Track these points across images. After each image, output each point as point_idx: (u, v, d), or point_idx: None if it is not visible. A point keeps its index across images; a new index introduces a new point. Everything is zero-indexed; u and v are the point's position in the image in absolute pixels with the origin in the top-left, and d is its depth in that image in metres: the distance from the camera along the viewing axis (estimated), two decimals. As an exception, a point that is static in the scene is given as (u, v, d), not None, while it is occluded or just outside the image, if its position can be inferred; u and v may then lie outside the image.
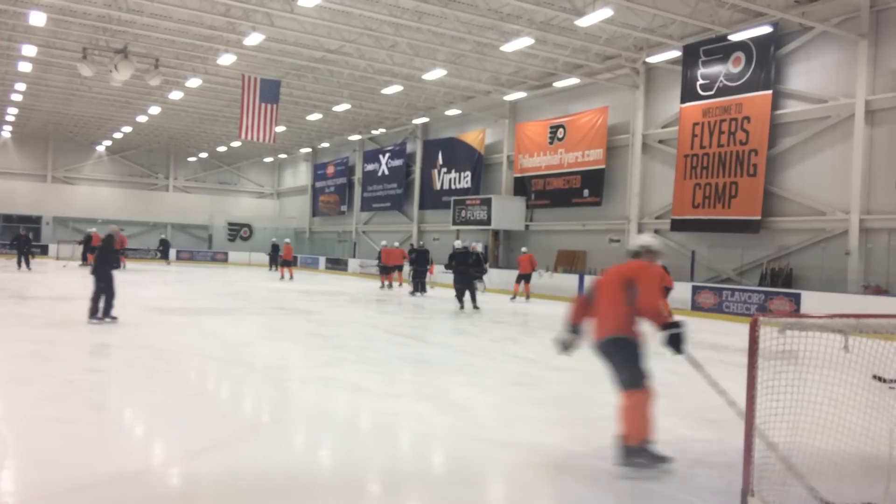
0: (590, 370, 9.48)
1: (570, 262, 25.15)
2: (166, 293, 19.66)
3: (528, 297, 21.71)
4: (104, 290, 11.85)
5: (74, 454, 4.96)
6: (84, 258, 29.04)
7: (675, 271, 20.64)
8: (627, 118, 23.21)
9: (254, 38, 20.31)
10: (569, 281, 22.60)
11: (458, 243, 19.65)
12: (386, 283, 25.03)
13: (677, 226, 20.87)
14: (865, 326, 4.22)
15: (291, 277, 27.61)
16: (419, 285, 22.21)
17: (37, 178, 44.12)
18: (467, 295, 17.49)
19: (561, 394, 7.82)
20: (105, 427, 5.69)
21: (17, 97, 31.20)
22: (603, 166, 23.91)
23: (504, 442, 5.75)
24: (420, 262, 22.59)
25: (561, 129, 25.74)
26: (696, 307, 18.64)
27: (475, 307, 17.38)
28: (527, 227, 27.44)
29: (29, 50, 22.73)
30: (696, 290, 18.94)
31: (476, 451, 5.48)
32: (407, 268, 24.06)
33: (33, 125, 39.53)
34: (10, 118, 37.22)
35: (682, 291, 19.20)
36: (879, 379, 4.39)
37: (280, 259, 28.41)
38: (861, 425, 4.59)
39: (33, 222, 42.17)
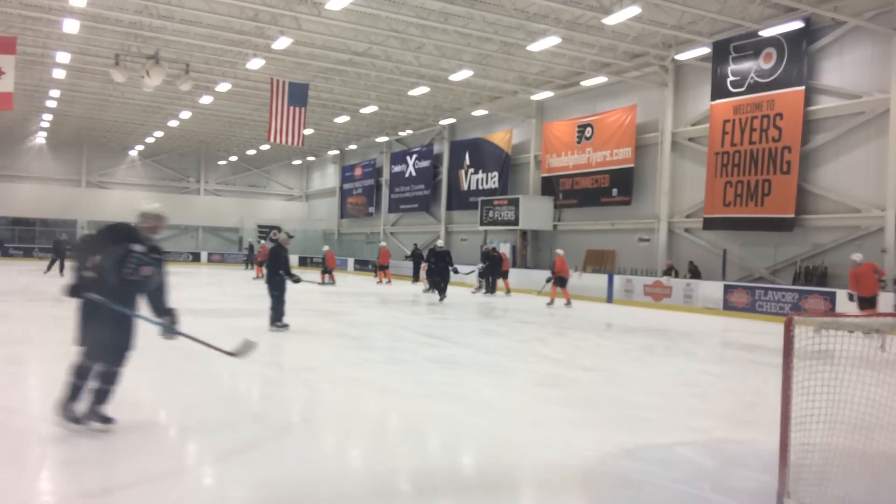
0: (620, 370, 9.45)
1: (599, 261, 24.99)
2: (199, 295, 19.88)
3: (389, 281, 25.46)
4: (277, 298, 11.92)
5: (110, 454, 5.04)
6: (51, 266, 26.92)
7: (707, 270, 20.47)
8: (656, 116, 23.00)
9: (282, 42, 20.49)
10: (598, 281, 22.44)
11: (439, 243, 22.21)
12: (385, 279, 27.63)
13: (709, 224, 20.63)
14: (904, 325, 4.14)
15: (333, 282, 27.34)
16: (434, 284, 21.73)
17: (71, 182, 44.98)
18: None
19: (591, 394, 7.76)
20: (140, 428, 5.76)
21: (51, 104, 31.84)
22: (632, 165, 23.72)
23: (534, 443, 5.72)
24: (439, 262, 21.81)
25: (589, 129, 25.58)
26: (729, 306, 18.40)
27: (442, 299, 19.88)
28: (555, 226, 27.31)
29: (63, 57, 23.22)
30: (728, 289, 18.69)
31: (506, 453, 5.46)
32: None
33: (68, 131, 40.29)
34: (45, 124, 38.01)
35: (713, 290, 19.01)
36: None
37: (324, 266, 28.04)
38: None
39: (68, 226, 42.96)
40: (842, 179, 17.84)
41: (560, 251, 20.50)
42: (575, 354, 10.84)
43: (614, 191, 24.42)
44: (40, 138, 42.92)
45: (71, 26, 19.65)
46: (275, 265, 12.02)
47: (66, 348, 9.53)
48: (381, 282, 27.84)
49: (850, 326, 4.03)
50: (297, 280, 12.15)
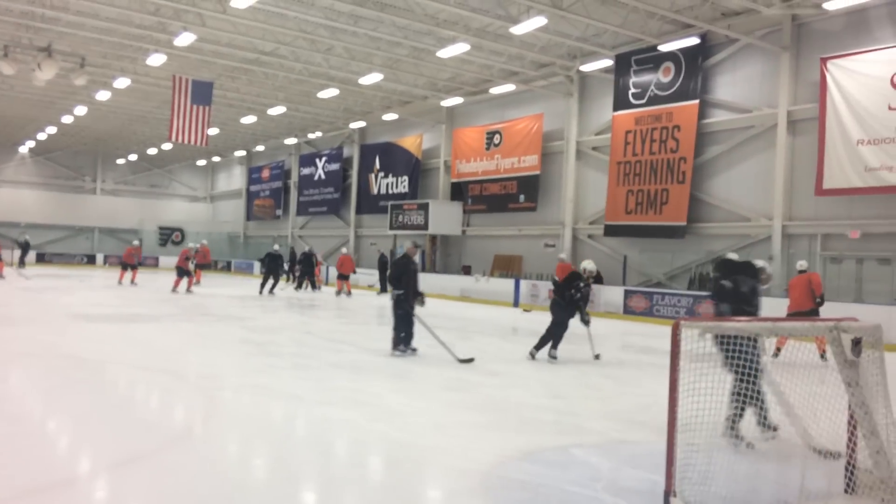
0: (523, 374, 9.60)
1: (506, 266, 25.37)
2: (93, 299, 19.00)
3: (349, 293, 24.19)
4: (402, 318, 10.64)
5: (-16, 470, 4.73)
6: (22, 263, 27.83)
7: (608, 275, 21.11)
8: (562, 125, 23.57)
9: (185, 39, 19.82)
10: (505, 285, 22.79)
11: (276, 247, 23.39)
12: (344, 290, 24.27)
13: (610, 231, 21.29)
14: (781, 330, 4.36)
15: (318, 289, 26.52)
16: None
17: (-46, 179, 42.16)
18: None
19: (494, 398, 7.84)
20: (22, 439, 5.44)
21: (-69, 95, 29.75)
22: (538, 172, 24.21)
23: (435, 448, 5.74)
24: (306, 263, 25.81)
25: (497, 135, 25.96)
26: (628, 311, 19.03)
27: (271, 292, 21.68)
28: (464, 231, 27.56)
29: (-55, 46, 21.70)
30: (627, 293, 19.34)
31: (409, 459, 5.46)
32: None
33: (-50, 124, 37.77)
34: (-76, 117, 35.46)
35: (614, 295, 19.62)
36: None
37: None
38: (781, 423, 4.74)
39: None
40: (733, 190, 18.77)
41: (344, 250, 21.34)
42: (481, 359, 10.92)
43: (521, 197, 24.86)
44: (-82, 131, 40.05)
45: (-47, 13, 18.43)
46: (400, 280, 10.62)
47: None
48: (339, 292, 24.16)
49: (732, 331, 4.22)
50: (423, 302, 10.78)
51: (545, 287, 21.55)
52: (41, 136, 39.49)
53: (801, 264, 12.47)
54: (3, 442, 5.36)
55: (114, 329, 12.81)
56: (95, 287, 24.31)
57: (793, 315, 11.23)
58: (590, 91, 22.93)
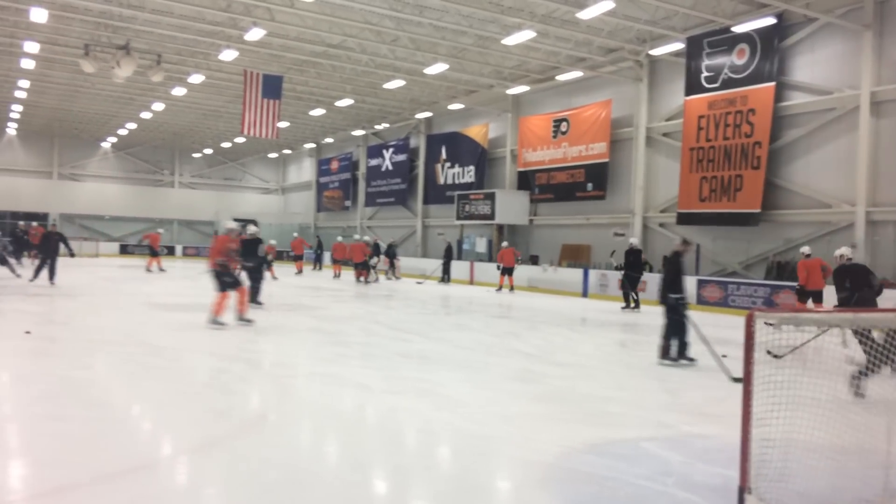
0: (591, 365, 9.47)
1: (574, 256, 25.06)
2: (171, 289, 19.66)
3: (511, 288, 22.70)
4: (676, 323, 9.69)
5: (69, 453, 4.94)
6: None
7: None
8: (631, 111, 23.08)
9: (255, 34, 20.24)
10: (573, 275, 22.52)
11: (251, 228, 15.91)
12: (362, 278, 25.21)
13: (683, 219, 20.75)
14: (863, 321, 4.15)
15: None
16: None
17: (42, 175, 44.25)
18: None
19: (560, 390, 7.75)
20: (100, 425, 5.66)
21: (21, 94, 31.25)
22: (607, 160, 23.79)
23: (500, 438, 5.71)
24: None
25: (564, 123, 25.62)
26: (702, 301, 18.51)
27: (256, 301, 15.01)
28: (531, 221, 27.35)
29: (31, 47, 22.76)
30: (701, 283, 18.82)
31: (474, 449, 5.44)
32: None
33: (38, 122, 39.59)
34: (14, 115, 37.28)
35: (687, 285, 19.08)
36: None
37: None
38: (860, 421, 4.53)
39: (40, 219, 42.30)
40: (813, 175, 18.03)
41: (505, 243, 20.60)
42: (547, 349, 10.85)
43: (589, 185, 24.49)
44: (10, 129, 42.13)
45: (39, 15, 19.24)
46: (676, 283, 9.67)
47: (34, 343, 9.38)
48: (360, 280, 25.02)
49: (811, 322, 4.04)
50: (685, 305, 9.67)
51: (614, 277, 21.21)
52: (122, 132, 41.05)
53: (805, 250, 13.97)
54: (85, 427, 5.59)
55: (190, 318, 13.20)
56: (174, 277, 25.15)
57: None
58: (660, 76, 22.37)
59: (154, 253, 27.73)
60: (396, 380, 8.03)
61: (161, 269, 27.17)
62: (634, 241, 19.02)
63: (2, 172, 42.64)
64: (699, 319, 13.63)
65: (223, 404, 6.77)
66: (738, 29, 18.28)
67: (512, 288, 22.68)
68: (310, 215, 46.50)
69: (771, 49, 18.31)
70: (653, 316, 14.87)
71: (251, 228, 15.31)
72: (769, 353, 4.39)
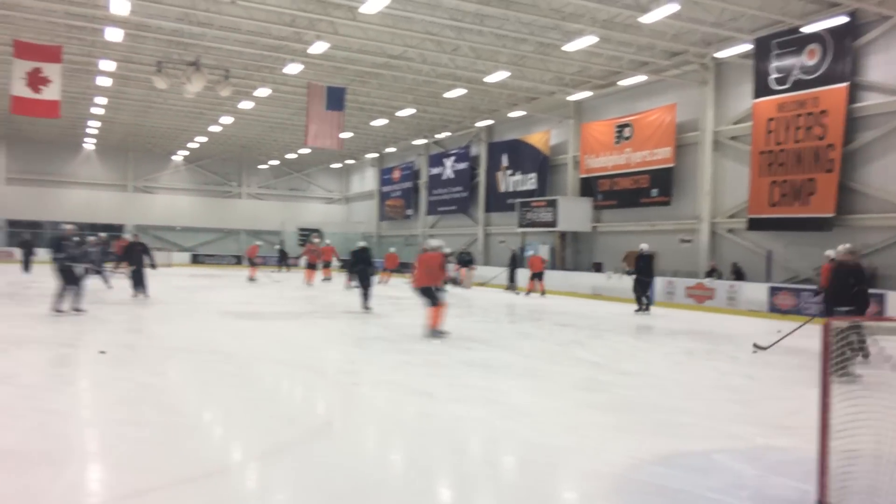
0: (659, 374, 9.28)
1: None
2: (240, 297, 20.16)
3: (543, 292, 23.32)
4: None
5: (145, 457, 5.10)
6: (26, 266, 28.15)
7: (751, 271, 20.08)
8: (697, 115, 22.63)
9: (318, 47, 20.68)
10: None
11: (360, 242, 18.41)
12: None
13: (754, 225, 20.22)
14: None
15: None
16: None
17: (118, 188, 46.04)
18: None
19: (627, 399, 7.63)
20: (175, 430, 5.83)
21: (98, 111, 32.59)
22: (672, 165, 23.38)
23: (567, 449, 5.64)
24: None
25: (627, 128, 25.30)
26: (774, 309, 17.98)
27: (367, 307, 16.43)
28: (594, 228, 27.05)
29: (107, 65, 23.74)
30: (773, 291, 18.27)
31: (540, 459, 5.40)
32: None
33: (114, 137, 41.21)
34: (93, 131, 38.91)
35: (758, 292, 18.59)
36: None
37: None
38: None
39: (116, 230, 44.03)
40: (891, 178, 17.32)
41: (531, 252, 20.36)
42: (613, 358, 10.69)
43: (654, 191, 24.10)
44: (89, 145, 43.99)
45: (114, 34, 20.12)
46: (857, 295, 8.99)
47: (112, 350, 9.75)
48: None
49: (890, 331, 3.88)
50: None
51: (682, 284, 20.80)
52: (192, 146, 42.38)
53: (830, 254, 12.48)
54: (161, 432, 5.76)
55: (258, 326, 13.52)
56: (242, 286, 25.77)
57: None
58: (726, 78, 21.87)
59: (253, 263, 28.82)
60: (460, 388, 8.03)
61: (252, 279, 27.83)
62: (645, 246, 19.08)
63: (81, 186, 44.60)
64: (771, 327, 13.24)
65: (290, 411, 6.89)
66: (808, 29, 17.74)
67: (543, 292, 23.39)
68: (372, 224, 47.04)
69: (843, 49, 17.70)
70: (722, 323, 14.52)
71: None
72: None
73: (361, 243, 17.89)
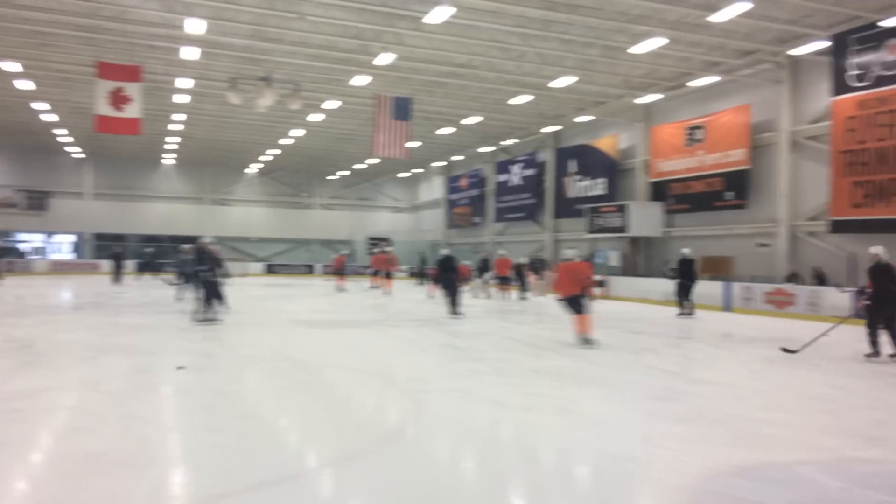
0: (737, 383, 9.01)
1: (714, 268, 24.03)
2: (312, 306, 20.55)
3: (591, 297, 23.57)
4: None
5: (223, 461, 5.25)
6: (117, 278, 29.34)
7: (834, 276, 19.30)
8: (772, 115, 21.95)
9: (385, 58, 20.97)
10: (714, 288, 21.53)
11: (444, 250, 19.22)
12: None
13: (837, 227, 19.43)
14: None
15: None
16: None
17: (195, 200, 47.64)
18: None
19: (704, 409, 7.42)
20: (251, 436, 5.97)
21: (176, 127, 33.84)
22: (747, 167, 22.72)
23: (641, 459, 5.53)
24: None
25: (699, 130, 24.72)
26: (861, 315, 17.16)
27: (455, 312, 17.27)
28: (666, 233, 26.50)
29: (184, 82, 24.65)
30: (859, 295, 17.47)
31: (613, 469, 5.31)
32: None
33: (191, 152, 42.68)
34: (171, 146, 40.41)
35: (841, 298, 17.81)
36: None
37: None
38: None
39: (193, 242, 45.60)
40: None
41: (502, 252, 19.84)
42: (688, 366, 10.44)
43: (729, 194, 23.46)
44: (167, 160, 45.69)
45: (190, 53, 20.87)
46: None
47: (191, 357, 10.09)
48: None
49: None
50: None
51: (760, 289, 20.17)
52: (265, 158, 43.49)
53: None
54: (238, 437, 5.92)
55: (330, 334, 13.75)
56: (314, 295, 26.29)
57: None
58: (802, 76, 21.15)
59: (340, 273, 29.33)
60: (531, 396, 7.97)
61: (342, 289, 28.28)
62: (687, 251, 19.11)
63: (161, 200, 46.36)
64: (858, 335, 12.69)
65: (362, 418, 6.98)
66: (887, 23, 17.00)
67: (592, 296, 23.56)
68: (440, 232, 47.28)
69: (929, 40, 16.90)
70: (804, 330, 14.02)
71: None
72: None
73: (445, 251, 18.68)
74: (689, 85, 23.96)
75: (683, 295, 18.73)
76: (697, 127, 24.81)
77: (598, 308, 21.32)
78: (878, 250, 11.23)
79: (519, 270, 26.17)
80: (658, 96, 25.43)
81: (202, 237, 15.90)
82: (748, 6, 16.11)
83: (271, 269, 44.89)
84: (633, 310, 21.02)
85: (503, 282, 25.16)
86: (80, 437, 5.87)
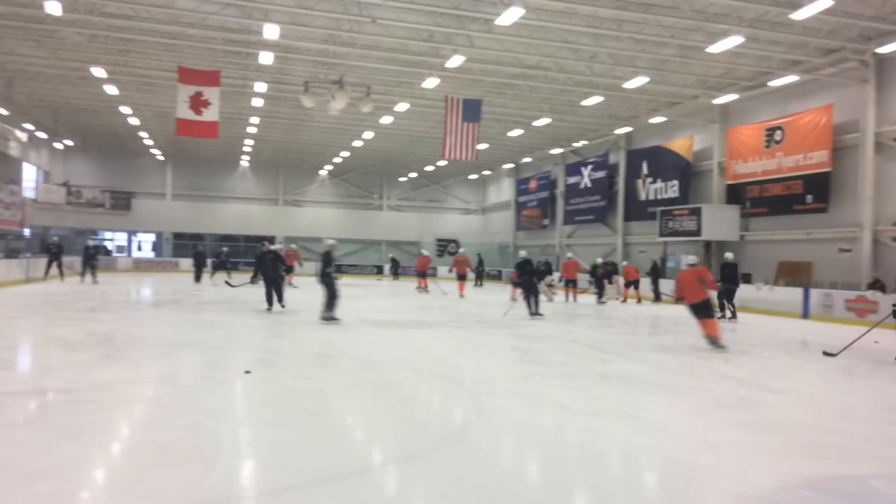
0: (811, 393, 8.68)
1: (793, 274, 23.20)
2: (378, 306, 20.80)
3: (639, 300, 24.84)
4: None
5: (288, 457, 5.37)
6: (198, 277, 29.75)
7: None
8: (856, 115, 21.06)
9: (455, 60, 21.05)
10: (792, 295, 20.81)
11: (522, 253, 19.44)
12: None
13: (923, 232, 18.52)
14: None
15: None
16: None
17: (269, 202, 48.87)
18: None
19: (775, 418, 7.18)
20: (315, 433, 6.09)
21: (252, 130, 34.81)
22: (828, 169, 21.86)
23: (707, 468, 5.39)
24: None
25: (778, 131, 23.92)
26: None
27: (536, 313, 17.84)
28: (742, 237, 25.74)
29: (260, 86, 25.33)
30: (945, 304, 16.58)
31: (678, 477, 5.19)
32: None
33: (266, 154, 43.83)
34: (247, 149, 41.59)
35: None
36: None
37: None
38: None
39: (270, 242, 46.92)
40: None
41: (569, 255, 19.27)
42: (761, 374, 10.11)
43: (809, 197, 22.62)
44: (243, 161, 47.03)
45: (266, 58, 21.43)
46: None
47: (260, 354, 10.36)
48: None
49: None
50: None
51: (841, 297, 19.38)
52: (336, 160, 44.29)
53: None
54: (303, 433, 6.04)
55: (396, 334, 13.89)
56: (381, 295, 26.58)
57: None
58: (889, 75, 20.24)
59: (422, 274, 29.40)
60: (596, 401, 7.87)
61: (424, 290, 28.44)
62: (730, 255, 19.28)
63: (237, 200, 47.76)
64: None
65: (426, 418, 7.02)
66: None
67: (639, 300, 25.16)
68: (509, 234, 47.15)
69: None
70: (887, 340, 13.44)
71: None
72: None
73: (523, 254, 19.19)
74: (768, 85, 23.21)
75: (728, 299, 18.83)
76: (777, 128, 24.02)
77: (671, 313, 20.91)
78: None
79: (595, 272, 25.77)
80: (735, 96, 24.72)
81: (328, 240, 16.09)
82: (830, 2, 15.50)
83: (340, 270, 45.62)
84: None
85: (570, 284, 24.94)
86: (152, 429, 6.10)
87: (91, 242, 29.74)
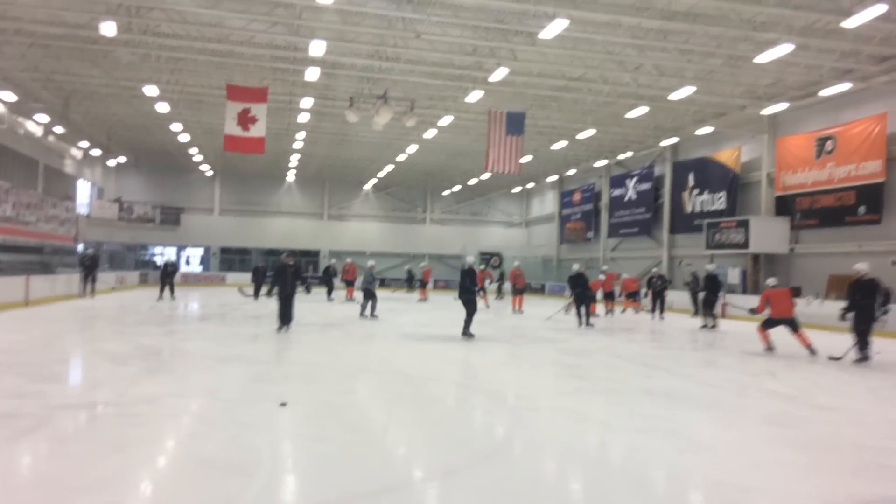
0: (863, 410, 8.41)
1: (844, 288, 22.51)
2: (420, 320, 20.84)
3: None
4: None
5: (327, 471, 5.40)
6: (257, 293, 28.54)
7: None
8: (911, 124, 20.44)
9: (499, 74, 21.10)
10: (843, 309, 20.18)
11: (576, 266, 20.17)
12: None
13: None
14: None
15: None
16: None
17: (315, 216, 49.47)
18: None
19: (823, 436, 6.98)
20: (355, 447, 6.11)
21: (298, 145, 35.33)
22: (882, 180, 21.26)
23: (754, 488, 5.25)
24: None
25: (830, 142, 23.37)
26: None
27: (587, 324, 18.97)
28: (791, 249, 25.15)
29: (306, 102, 25.73)
30: None
31: (723, 497, 5.08)
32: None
33: (312, 169, 44.41)
34: (293, 164, 42.22)
35: None
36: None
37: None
38: None
39: (312, 256, 47.63)
40: None
41: (605, 267, 19.46)
42: (810, 391, 9.85)
43: (861, 209, 22.02)
44: (290, 177, 47.75)
45: (312, 74, 21.77)
46: None
47: (302, 368, 10.46)
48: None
49: None
50: None
51: (895, 310, 18.73)
52: (381, 174, 44.66)
53: None
54: (342, 448, 6.07)
55: (437, 348, 13.88)
56: (424, 309, 26.63)
57: None
58: (947, 82, 19.61)
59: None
60: (639, 417, 7.75)
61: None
62: (711, 267, 20.31)
63: (283, 215, 48.47)
64: None
65: (466, 433, 7.00)
66: None
67: (637, 310, 25.92)
68: (552, 247, 46.87)
69: None
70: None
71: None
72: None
73: (576, 267, 19.92)
74: (818, 94, 22.70)
75: (709, 308, 19.66)
76: (827, 137, 23.47)
77: (725, 327, 20.51)
78: None
79: (652, 284, 24.24)
80: (784, 106, 24.23)
81: (370, 260, 20.68)
82: (884, 8, 15.11)
83: (384, 283, 45.86)
84: (751, 329, 20.01)
85: (607, 298, 24.67)
86: (195, 442, 6.21)
87: (170, 259, 29.95)
